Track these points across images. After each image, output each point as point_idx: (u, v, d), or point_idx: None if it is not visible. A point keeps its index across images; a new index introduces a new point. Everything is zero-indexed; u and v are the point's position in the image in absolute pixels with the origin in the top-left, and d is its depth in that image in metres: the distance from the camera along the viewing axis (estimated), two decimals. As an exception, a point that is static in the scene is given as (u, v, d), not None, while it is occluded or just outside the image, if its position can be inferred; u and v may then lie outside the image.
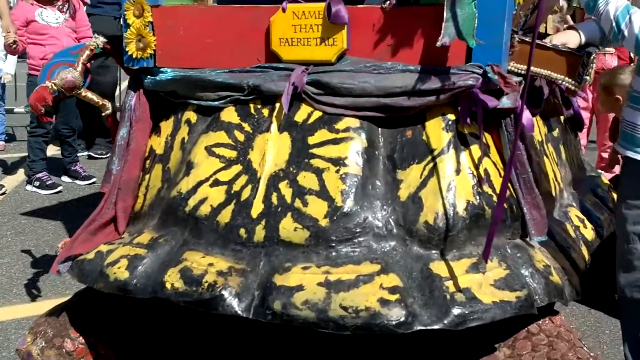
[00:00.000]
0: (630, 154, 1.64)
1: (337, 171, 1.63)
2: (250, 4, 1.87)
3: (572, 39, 1.77)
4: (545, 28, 2.28)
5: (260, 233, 1.60)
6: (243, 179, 1.69)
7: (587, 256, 2.09)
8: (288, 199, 1.63)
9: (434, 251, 1.57)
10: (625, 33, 1.51)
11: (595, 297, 2.49)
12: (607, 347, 2.30)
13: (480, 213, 1.61)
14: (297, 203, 1.61)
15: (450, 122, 1.68)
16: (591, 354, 1.62)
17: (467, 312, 1.46)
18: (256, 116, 1.78)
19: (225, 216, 1.65)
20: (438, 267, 1.54)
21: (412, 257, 1.56)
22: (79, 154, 4.58)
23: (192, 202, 1.69)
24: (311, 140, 1.69)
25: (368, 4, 1.85)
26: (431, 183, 1.62)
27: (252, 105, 1.80)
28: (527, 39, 1.71)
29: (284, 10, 1.76)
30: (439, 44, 1.53)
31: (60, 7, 4.03)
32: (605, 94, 2.44)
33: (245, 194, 1.66)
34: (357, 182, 1.62)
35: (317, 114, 1.72)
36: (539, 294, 1.60)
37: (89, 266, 1.72)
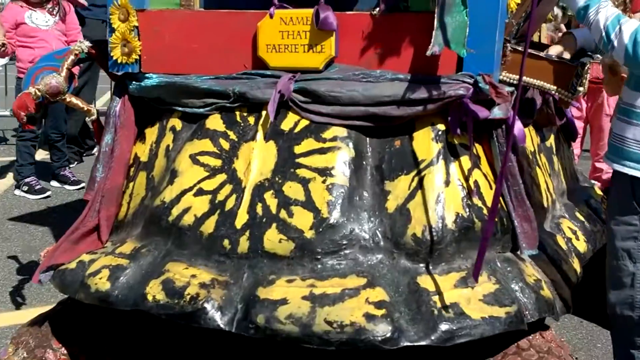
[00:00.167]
0: (618, 167, 1.60)
1: (324, 181, 1.59)
2: (237, 8, 1.83)
3: (567, 47, 1.75)
4: (539, 37, 2.26)
5: (244, 244, 1.56)
6: (228, 188, 1.65)
7: (579, 269, 2.05)
8: (273, 210, 1.59)
9: (421, 265, 1.54)
10: (615, 43, 1.47)
11: (587, 309, 2.46)
12: (599, 360, 2.27)
13: (469, 226, 1.58)
14: (283, 214, 1.58)
15: (439, 133, 1.64)
16: (582, 371, 1.59)
17: (455, 328, 1.42)
18: (242, 124, 1.74)
19: (209, 226, 1.60)
20: (426, 281, 1.50)
21: (399, 270, 1.53)
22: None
23: (175, 212, 1.65)
24: (297, 149, 1.65)
25: (357, 10, 1.82)
26: (420, 195, 1.58)
27: (238, 113, 1.76)
28: (519, 48, 1.68)
29: (271, 16, 1.73)
30: (428, 52, 1.50)
31: (50, 9, 3.99)
32: (611, 74, 2.38)
33: (230, 203, 1.62)
34: (343, 193, 1.58)
35: (304, 123, 1.68)
36: (529, 309, 1.56)
37: (71, 276, 1.68)
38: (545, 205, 2.12)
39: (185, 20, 1.84)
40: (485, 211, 1.61)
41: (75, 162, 4.77)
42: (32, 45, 3.87)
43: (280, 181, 1.62)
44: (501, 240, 1.66)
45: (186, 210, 1.64)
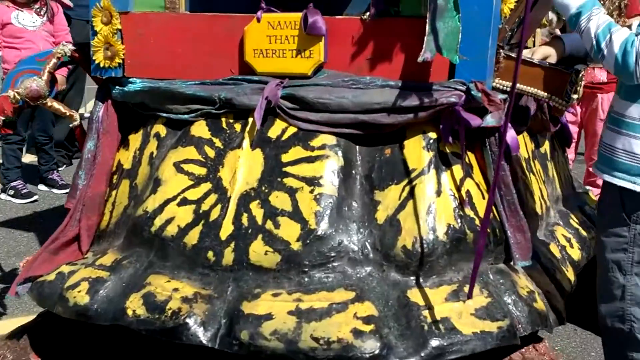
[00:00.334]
0: (607, 178, 1.55)
1: (312, 191, 1.54)
2: (224, 12, 1.78)
3: (554, 50, 1.70)
4: (534, 42, 2.22)
5: (229, 256, 1.51)
6: (212, 198, 1.60)
7: (573, 277, 2.02)
8: (259, 220, 1.54)
9: (412, 277, 1.49)
10: (605, 52, 1.43)
11: (581, 316, 2.42)
12: (593, 370, 2.23)
13: (461, 237, 1.53)
14: (269, 225, 1.52)
15: (431, 141, 1.60)
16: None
17: (445, 343, 1.38)
18: (228, 131, 1.69)
19: (192, 237, 1.55)
20: (416, 295, 1.46)
21: (389, 283, 1.48)
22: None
23: (158, 222, 1.59)
24: (285, 157, 1.60)
25: (347, 14, 1.77)
26: (410, 205, 1.54)
27: (224, 120, 1.71)
28: (513, 55, 1.64)
29: (258, 20, 1.68)
30: (420, 59, 1.45)
31: (38, 10, 3.91)
32: None
33: (215, 214, 1.57)
34: (332, 203, 1.53)
35: (292, 130, 1.63)
36: (522, 323, 1.52)
37: (49, 288, 1.62)
38: (540, 212, 2.09)
39: (170, 23, 1.79)
40: (477, 222, 1.57)
41: (64, 165, 4.69)
42: (18, 46, 3.79)
43: (266, 191, 1.57)
44: (494, 251, 1.62)
45: (169, 221, 1.59)
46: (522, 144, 2.13)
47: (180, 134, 1.74)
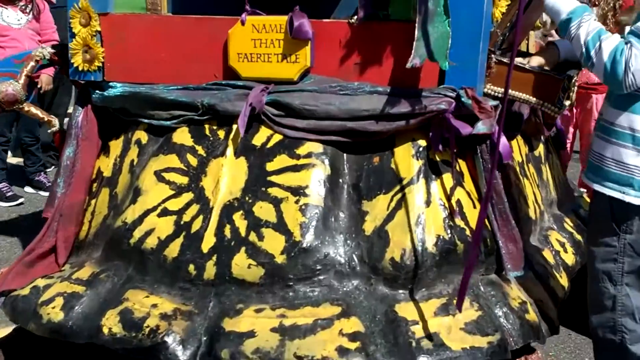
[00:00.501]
0: (596, 187, 1.51)
1: (297, 201, 1.49)
2: (208, 14, 1.72)
3: (549, 58, 1.66)
4: (527, 45, 2.17)
5: (210, 270, 1.46)
6: (194, 208, 1.54)
7: (566, 283, 1.98)
8: (242, 232, 1.48)
9: (400, 291, 1.45)
10: (595, 61, 1.39)
11: (575, 320, 2.39)
12: (587, 375, 2.20)
13: (451, 249, 1.49)
14: (252, 237, 1.47)
15: (420, 149, 1.55)
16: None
17: (434, 360, 1.33)
18: (211, 138, 1.63)
19: (173, 250, 1.49)
20: (404, 310, 1.41)
21: (377, 297, 1.43)
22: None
23: (137, 234, 1.53)
24: (270, 166, 1.55)
25: (334, 18, 1.71)
26: (399, 215, 1.49)
27: (207, 126, 1.65)
28: (505, 60, 1.59)
29: (242, 23, 1.62)
30: (408, 65, 1.40)
31: (23, 7, 3.82)
32: None
33: (196, 225, 1.51)
34: (318, 214, 1.48)
35: (277, 138, 1.58)
36: (514, 336, 1.48)
37: (23, 304, 1.56)
38: (533, 217, 2.05)
39: (152, 25, 1.72)
40: (468, 232, 1.52)
41: (53, 167, 4.60)
42: (2, 44, 3.70)
43: (250, 201, 1.51)
44: (485, 262, 1.57)
45: (149, 233, 1.53)
46: (515, 147, 2.09)
47: (162, 141, 1.68)
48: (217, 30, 1.65)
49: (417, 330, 1.37)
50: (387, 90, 1.52)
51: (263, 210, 1.49)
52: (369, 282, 1.45)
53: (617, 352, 1.58)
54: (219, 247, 1.47)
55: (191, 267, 1.47)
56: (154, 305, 1.41)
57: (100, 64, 1.76)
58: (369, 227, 1.49)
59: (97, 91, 1.77)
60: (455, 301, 1.45)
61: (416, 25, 1.42)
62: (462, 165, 1.61)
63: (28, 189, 4.12)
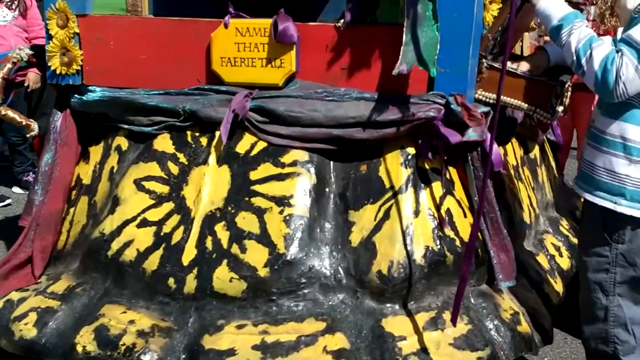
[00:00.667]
0: (588, 197, 1.46)
1: (281, 212, 1.44)
2: (192, 16, 1.66)
3: (538, 63, 1.61)
4: (521, 47, 2.11)
5: (191, 283, 1.41)
6: (175, 219, 1.48)
7: (561, 288, 1.95)
8: (224, 244, 1.43)
9: (387, 305, 1.40)
10: (585, 69, 1.34)
11: (571, 323, 2.35)
12: (584, 381, 2.16)
13: (440, 260, 1.44)
14: (235, 249, 1.42)
15: (409, 157, 1.50)
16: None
17: (422, 378, 1.29)
18: (193, 145, 1.57)
19: (152, 262, 1.44)
20: (392, 324, 1.37)
21: (363, 311, 1.39)
22: None
23: (115, 245, 1.48)
24: (253, 175, 1.50)
25: (321, 21, 1.66)
26: (386, 226, 1.44)
27: (189, 133, 1.59)
28: (496, 65, 1.54)
29: (226, 26, 1.56)
30: (395, 71, 1.35)
31: (9, 4, 3.73)
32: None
33: (177, 236, 1.46)
34: (303, 224, 1.43)
35: (262, 145, 1.52)
36: (505, 349, 1.44)
37: (-4, 318, 1.50)
38: (528, 221, 2.01)
39: (132, 27, 1.66)
40: (458, 243, 1.48)
41: (40, 166, 4.52)
42: (-13, 42, 3.62)
43: (233, 211, 1.46)
44: (476, 272, 1.53)
45: (128, 244, 1.47)
46: (510, 150, 2.04)
47: (143, 147, 1.62)
48: (200, 33, 1.59)
49: (405, 347, 1.33)
50: (375, 97, 1.47)
51: (246, 221, 1.44)
52: (355, 295, 1.41)
53: (610, 364, 1.55)
54: (200, 259, 1.42)
55: (171, 281, 1.41)
56: (131, 322, 1.36)
57: (79, 67, 1.69)
58: (355, 238, 1.45)
59: (76, 95, 1.71)
60: (444, 314, 1.41)
61: (404, 29, 1.37)
62: (452, 172, 1.56)
63: (16, 189, 4.05)
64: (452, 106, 1.43)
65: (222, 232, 1.44)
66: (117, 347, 1.31)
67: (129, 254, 1.46)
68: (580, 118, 3.32)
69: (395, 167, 1.49)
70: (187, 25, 1.62)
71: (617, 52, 1.31)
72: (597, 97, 1.47)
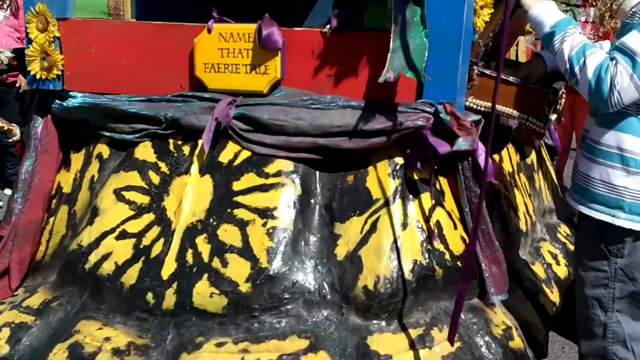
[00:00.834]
0: (584, 210, 1.41)
1: (264, 224, 1.39)
2: (176, 20, 1.61)
3: (535, 70, 1.56)
4: (516, 51, 2.06)
5: (170, 299, 1.36)
6: (155, 230, 1.44)
7: (558, 298, 1.90)
8: (205, 258, 1.38)
9: (374, 321, 1.35)
10: (579, 77, 1.28)
11: (570, 330, 2.30)
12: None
13: (429, 274, 1.39)
14: (216, 262, 1.37)
15: (397, 167, 1.45)
16: None
17: (408, 399, 1.24)
18: (175, 154, 1.52)
19: (131, 276, 1.39)
20: (377, 342, 1.32)
21: (348, 328, 1.34)
22: None
23: (93, 258, 1.43)
24: (236, 185, 1.45)
25: (307, 26, 1.61)
26: (373, 239, 1.39)
27: (171, 141, 1.54)
28: (487, 72, 1.49)
29: (209, 31, 1.51)
30: (381, 79, 1.30)
31: (0, 3, 3.68)
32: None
33: (156, 249, 1.41)
34: (286, 237, 1.38)
35: (245, 154, 1.47)
36: (496, 367, 1.39)
37: (-30, 332, 1.45)
38: (524, 229, 1.96)
39: (114, 31, 1.61)
40: (447, 256, 1.43)
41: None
42: (-23, 43, 3.56)
43: (214, 223, 1.41)
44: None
45: (106, 257, 1.42)
46: (506, 156, 1.99)
47: (124, 156, 1.57)
48: (183, 37, 1.54)
49: (390, 365, 1.28)
50: (361, 105, 1.42)
51: (228, 233, 1.39)
52: (340, 311, 1.36)
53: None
54: (180, 273, 1.37)
55: (150, 296, 1.37)
56: (107, 339, 1.31)
57: (60, 72, 1.65)
58: (341, 251, 1.40)
59: (56, 101, 1.66)
60: (432, 331, 1.36)
61: (391, 35, 1.32)
62: (443, 182, 1.51)
63: (8, 191, 4.00)
64: (441, 115, 1.38)
65: (203, 245, 1.39)
66: (91, 367, 1.26)
67: (107, 267, 1.41)
68: (579, 120, 3.26)
69: (383, 177, 1.44)
70: (169, 29, 1.57)
71: (611, 60, 1.26)
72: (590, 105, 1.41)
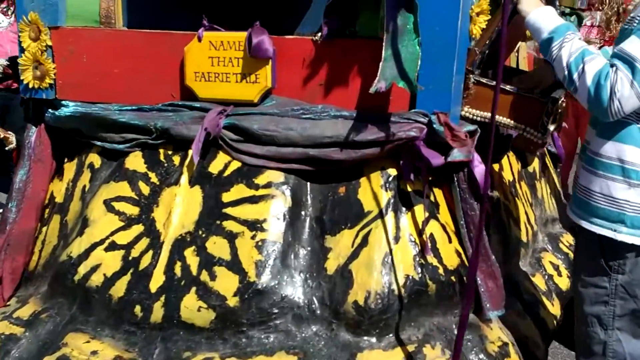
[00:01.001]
0: (584, 224, 1.36)
1: (253, 237, 1.37)
2: (167, 28, 1.59)
3: (542, 78, 1.51)
4: (517, 57, 2.00)
5: (158, 312, 1.34)
6: (144, 242, 1.42)
7: (559, 311, 1.85)
8: (194, 270, 1.36)
9: (364, 337, 1.32)
10: (577, 85, 1.23)
11: (570, 342, 2.24)
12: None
13: (422, 290, 1.35)
14: (204, 276, 1.35)
15: (390, 179, 1.41)
16: None
17: (397, 419, 1.21)
18: (165, 164, 1.51)
19: (119, 289, 1.38)
20: (368, 359, 1.28)
21: (338, 344, 1.31)
22: None
23: (82, 270, 1.42)
24: (226, 197, 1.42)
25: (298, 34, 1.58)
26: (364, 253, 1.36)
27: (162, 151, 1.52)
28: (484, 80, 1.44)
29: (199, 39, 1.49)
30: (372, 89, 1.26)
31: (4, 9, 3.71)
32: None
33: (145, 261, 1.40)
34: (276, 251, 1.35)
35: (235, 165, 1.45)
36: (491, 386, 1.35)
37: (-39, 343, 1.45)
38: (525, 239, 1.91)
39: (105, 40, 1.59)
40: (441, 271, 1.39)
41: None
42: (-17, 48, 3.60)
43: (203, 235, 1.39)
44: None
45: (95, 269, 1.41)
46: (506, 165, 1.95)
47: (115, 165, 1.56)
48: (173, 46, 1.52)
49: (380, 384, 1.25)
50: (353, 115, 1.39)
51: (217, 246, 1.37)
52: (330, 327, 1.33)
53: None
54: (168, 286, 1.35)
55: (137, 309, 1.35)
56: (94, 352, 1.30)
57: (52, 81, 1.64)
58: (331, 265, 1.37)
59: (49, 110, 1.65)
60: (425, 348, 1.32)
61: (383, 44, 1.29)
62: (437, 194, 1.47)
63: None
64: (434, 125, 1.34)
65: (191, 258, 1.37)
66: (76, 382, 1.25)
67: (96, 279, 1.40)
68: (584, 127, 3.19)
69: (376, 189, 1.41)
70: (160, 38, 1.55)
71: (612, 66, 1.21)
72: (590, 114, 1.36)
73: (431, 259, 1.39)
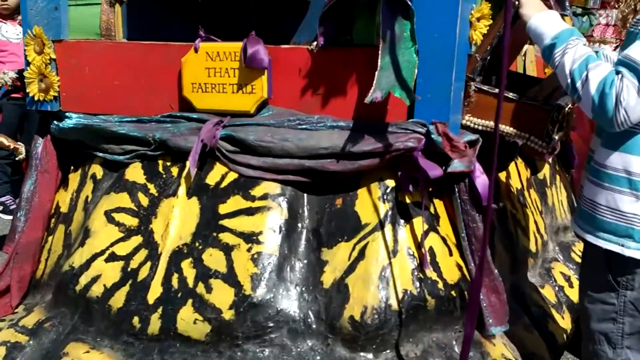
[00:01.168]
0: (590, 239, 1.30)
1: (249, 249, 1.36)
2: (165, 39, 1.59)
3: (556, 84, 1.44)
4: (524, 61, 1.93)
5: (155, 324, 1.35)
6: (142, 253, 1.43)
7: (569, 325, 1.78)
8: (190, 283, 1.36)
9: (360, 353, 1.29)
10: (581, 93, 1.17)
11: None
12: None
13: (420, 305, 1.32)
14: (200, 288, 1.35)
15: (388, 190, 1.38)
16: None
17: None
18: (164, 176, 1.51)
19: (118, 299, 1.39)
20: (363, 376, 1.26)
21: (334, 360, 1.29)
22: None
23: (84, 280, 1.44)
24: (222, 208, 1.42)
25: (294, 43, 1.56)
26: (361, 267, 1.33)
27: (160, 162, 1.53)
28: (485, 88, 1.39)
29: (196, 50, 1.49)
30: (367, 99, 1.23)
31: (21, 21, 3.81)
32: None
33: (143, 272, 1.40)
34: (272, 263, 1.34)
35: (232, 177, 1.44)
36: (493, 405, 1.31)
37: (-30, 350, 1.49)
38: (534, 249, 1.84)
39: (105, 52, 1.61)
40: (441, 285, 1.35)
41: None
42: (2, 59, 3.71)
43: (200, 247, 1.39)
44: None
45: (95, 279, 1.43)
46: (514, 172, 1.88)
47: (116, 177, 1.57)
48: (171, 57, 1.53)
49: (376, 402, 1.22)
50: (350, 125, 1.36)
51: (213, 258, 1.37)
52: (325, 342, 1.31)
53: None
54: (166, 298, 1.36)
55: (136, 320, 1.36)
56: (92, 364, 1.32)
57: (57, 94, 1.67)
58: (327, 279, 1.35)
59: (54, 122, 1.68)
60: (423, 364, 1.29)
61: (379, 52, 1.26)
62: (438, 206, 1.43)
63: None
64: (432, 136, 1.30)
65: (188, 270, 1.37)
66: (74, 393, 1.27)
67: (97, 290, 1.42)
68: None
69: (373, 201, 1.38)
70: (157, 49, 1.56)
71: (617, 74, 1.15)
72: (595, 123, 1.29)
73: (430, 272, 1.35)
